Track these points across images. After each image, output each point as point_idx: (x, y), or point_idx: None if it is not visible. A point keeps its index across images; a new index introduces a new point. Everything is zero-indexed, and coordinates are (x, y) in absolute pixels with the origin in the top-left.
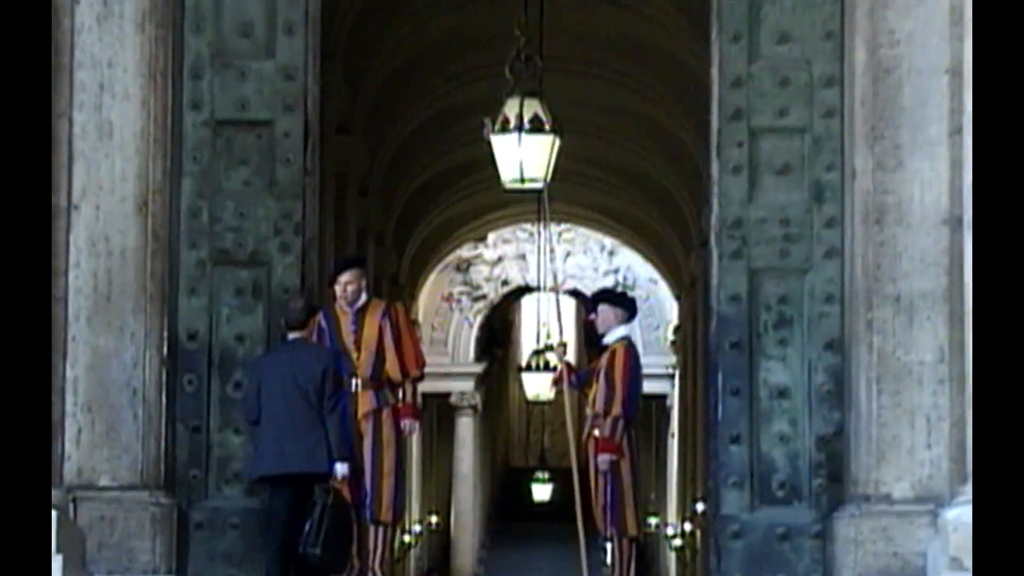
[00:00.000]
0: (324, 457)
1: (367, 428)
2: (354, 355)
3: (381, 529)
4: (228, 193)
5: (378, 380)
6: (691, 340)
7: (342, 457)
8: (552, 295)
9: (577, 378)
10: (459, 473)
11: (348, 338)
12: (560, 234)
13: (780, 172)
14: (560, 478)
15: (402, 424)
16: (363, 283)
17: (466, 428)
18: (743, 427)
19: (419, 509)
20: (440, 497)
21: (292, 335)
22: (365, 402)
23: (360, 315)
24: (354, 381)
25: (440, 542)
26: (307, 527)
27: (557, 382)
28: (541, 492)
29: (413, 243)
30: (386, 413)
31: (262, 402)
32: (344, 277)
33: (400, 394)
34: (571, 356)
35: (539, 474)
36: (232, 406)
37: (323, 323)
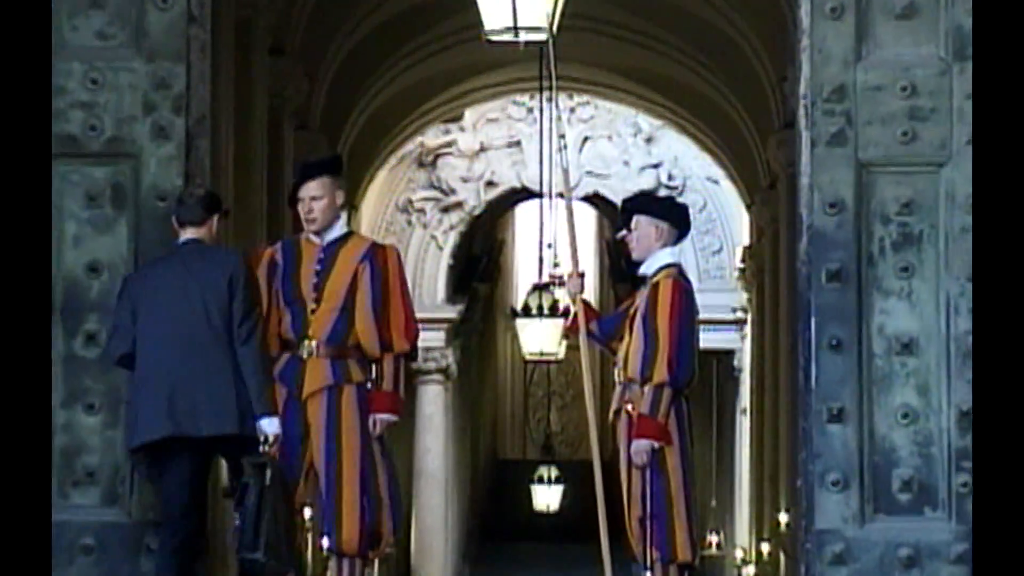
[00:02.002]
0: (236, 410)
1: (318, 413)
2: (310, 305)
3: (346, 563)
4: (74, 51)
5: (339, 346)
6: (770, 269)
7: (268, 410)
8: (562, 202)
9: (601, 326)
10: (423, 470)
11: (307, 281)
12: (573, 111)
13: (902, 15)
14: (574, 476)
15: (371, 420)
16: (338, 199)
17: (433, 402)
18: (848, 398)
19: None
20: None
21: (186, 234)
22: (317, 375)
23: (333, 250)
24: (305, 344)
25: (395, 573)
26: (239, 522)
27: (570, 332)
28: (546, 497)
29: (352, 125)
30: (347, 393)
31: (141, 333)
32: (308, 190)
33: (375, 375)
34: (591, 293)
35: (543, 470)
36: (85, 370)
37: (279, 257)
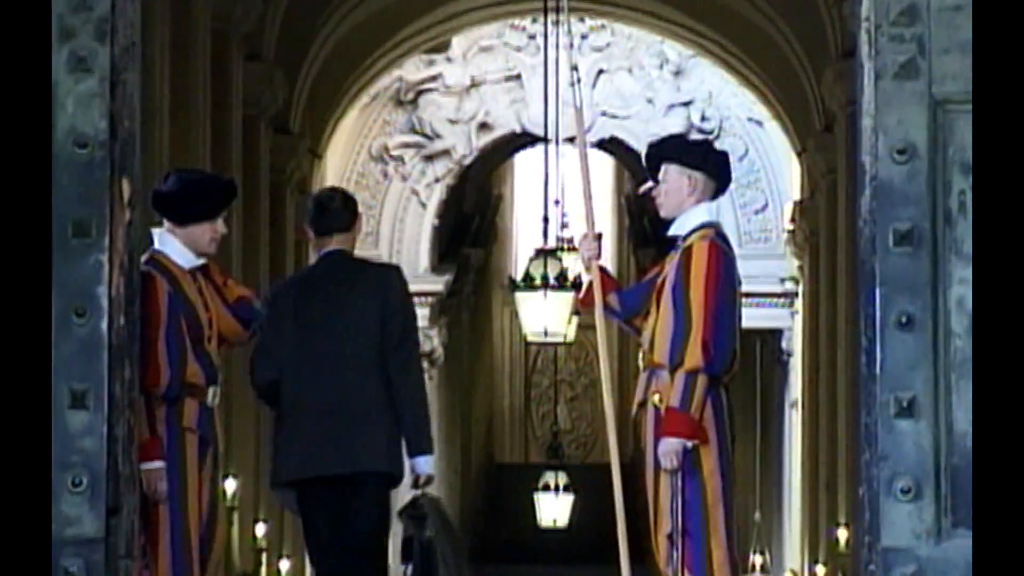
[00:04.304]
0: (399, 449)
1: (207, 476)
2: (211, 342)
3: None
4: None
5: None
6: (826, 230)
7: (425, 448)
8: (572, 149)
9: (621, 299)
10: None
11: (202, 314)
12: (585, 37)
13: None
14: (587, 484)
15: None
16: None
17: None
18: (921, 387)
19: None
20: None
21: (331, 244)
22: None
23: (197, 281)
24: (213, 391)
25: None
26: None
27: (583, 306)
28: (552, 510)
29: (315, 55)
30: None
31: (289, 358)
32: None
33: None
34: (607, 261)
35: (549, 477)
36: None
37: (167, 284)
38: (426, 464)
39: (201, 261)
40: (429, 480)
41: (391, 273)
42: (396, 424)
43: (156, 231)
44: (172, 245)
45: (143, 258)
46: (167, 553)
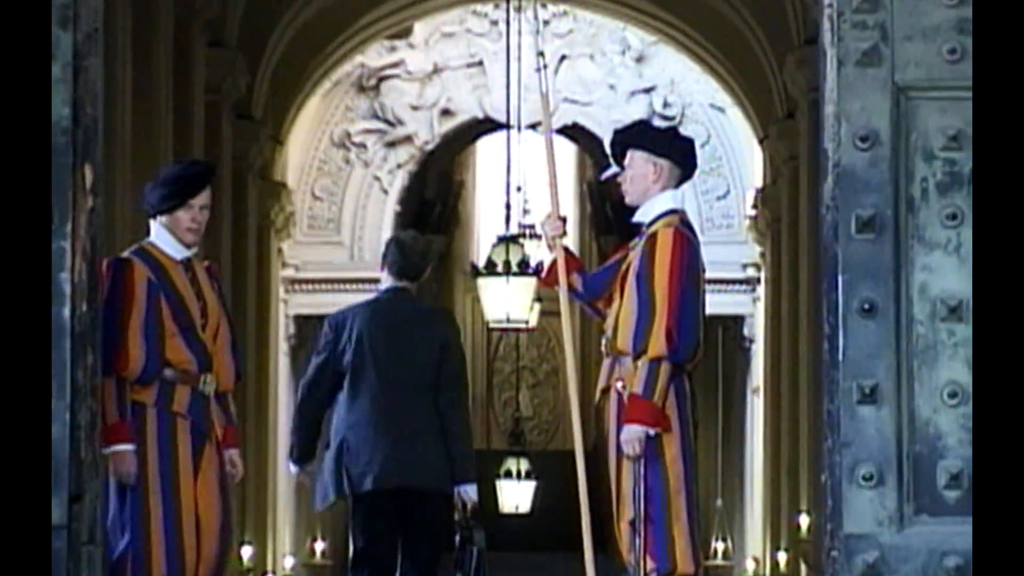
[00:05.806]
0: (447, 470)
1: (210, 465)
2: (205, 331)
3: None
4: None
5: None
6: (788, 217)
7: (470, 476)
8: (533, 135)
9: (585, 281)
10: None
11: (192, 303)
12: (547, 23)
13: None
14: (549, 470)
15: (230, 460)
16: None
17: None
18: (884, 374)
19: (292, 533)
20: (330, 511)
21: (399, 283)
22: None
23: (190, 269)
24: (205, 379)
25: None
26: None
27: (547, 286)
28: (514, 496)
29: (276, 41)
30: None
31: (353, 377)
32: (206, 197)
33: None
34: (570, 245)
35: (510, 463)
36: None
37: (149, 273)
38: (473, 491)
39: (191, 252)
40: (475, 506)
41: (447, 315)
42: (446, 450)
43: (153, 223)
44: (163, 236)
45: (131, 248)
46: (160, 538)
